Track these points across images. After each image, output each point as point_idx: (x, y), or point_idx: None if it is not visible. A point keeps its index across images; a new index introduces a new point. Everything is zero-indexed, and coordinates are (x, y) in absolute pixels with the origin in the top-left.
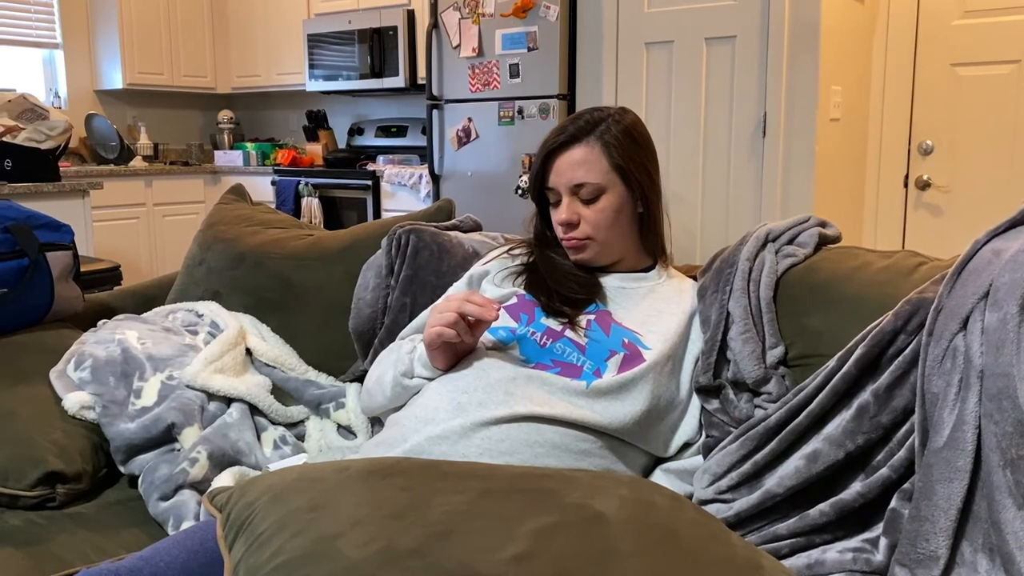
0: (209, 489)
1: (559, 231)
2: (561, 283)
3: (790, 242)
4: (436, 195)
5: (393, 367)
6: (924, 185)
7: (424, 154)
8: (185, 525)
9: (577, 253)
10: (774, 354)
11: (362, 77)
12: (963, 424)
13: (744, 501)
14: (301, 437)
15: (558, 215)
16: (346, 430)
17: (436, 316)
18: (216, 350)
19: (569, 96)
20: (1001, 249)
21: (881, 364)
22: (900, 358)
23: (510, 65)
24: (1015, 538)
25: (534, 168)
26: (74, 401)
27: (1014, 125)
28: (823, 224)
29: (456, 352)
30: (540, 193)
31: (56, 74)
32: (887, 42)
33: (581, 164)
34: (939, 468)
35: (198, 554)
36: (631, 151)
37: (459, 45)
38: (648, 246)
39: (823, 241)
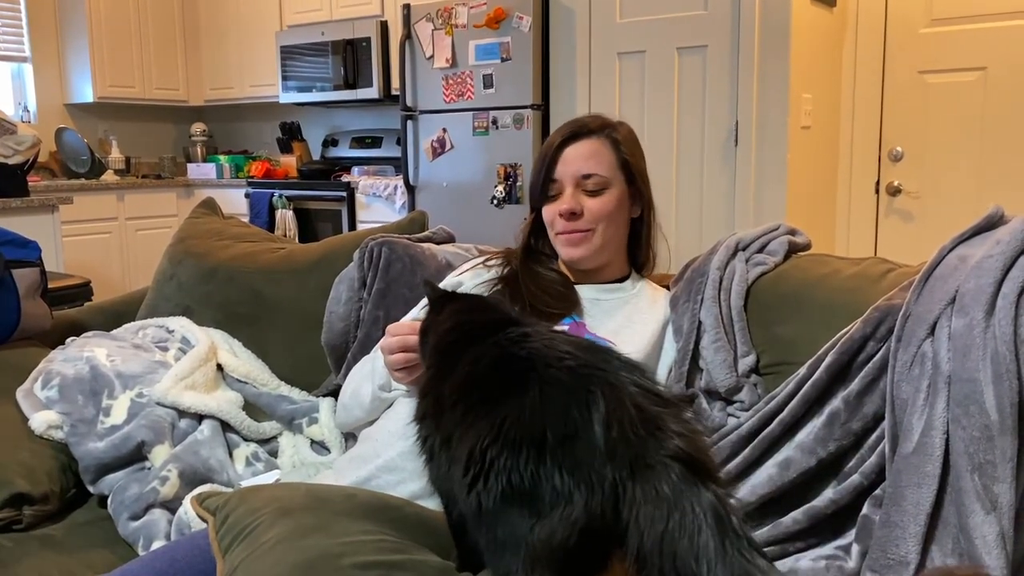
0: (196, 492)
1: (558, 225)
2: (537, 296)
3: (760, 250)
4: (411, 206)
5: (371, 381)
6: (895, 191)
7: (399, 165)
8: (156, 545)
9: (573, 248)
10: (746, 362)
11: (336, 88)
12: (931, 429)
13: None
14: (274, 453)
15: (561, 204)
16: (320, 445)
17: (385, 344)
18: (187, 366)
19: (543, 106)
20: (967, 255)
21: (851, 371)
22: (870, 365)
23: (484, 75)
24: (983, 542)
25: (542, 159)
26: (41, 420)
27: (981, 131)
28: (793, 232)
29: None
30: (542, 188)
31: (25, 88)
32: (856, 50)
33: (591, 155)
34: (908, 474)
35: (167, 575)
36: (635, 154)
37: (432, 56)
38: (633, 255)
39: (793, 249)
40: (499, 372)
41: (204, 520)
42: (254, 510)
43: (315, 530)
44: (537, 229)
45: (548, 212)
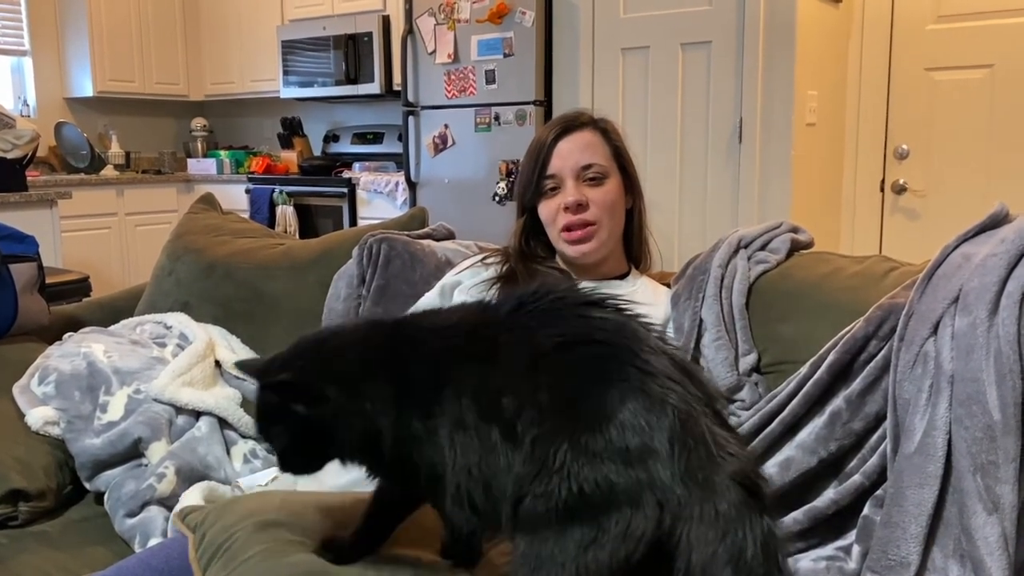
0: (179, 507)
1: (561, 220)
2: None
3: (762, 248)
4: (412, 202)
5: None
6: (900, 189)
7: (400, 161)
8: (152, 542)
9: (581, 244)
10: (747, 361)
11: (337, 84)
12: (934, 430)
13: None
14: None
15: (565, 197)
16: None
17: None
18: (184, 363)
19: (546, 102)
20: (971, 254)
21: (853, 370)
22: (872, 364)
23: (486, 71)
24: (985, 544)
25: (535, 156)
26: (38, 416)
27: (988, 129)
28: (795, 230)
29: None
30: (536, 185)
31: (25, 82)
32: (862, 47)
33: (587, 146)
34: (910, 474)
35: (163, 573)
36: (623, 145)
37: (434, 51)
38: (630, 249)
39: (795, 247)
40: (586, 365)
41: (186, 536)
42: (229, 527)
43: (296, 545)
44: (530, 230)
45: (547, 208)
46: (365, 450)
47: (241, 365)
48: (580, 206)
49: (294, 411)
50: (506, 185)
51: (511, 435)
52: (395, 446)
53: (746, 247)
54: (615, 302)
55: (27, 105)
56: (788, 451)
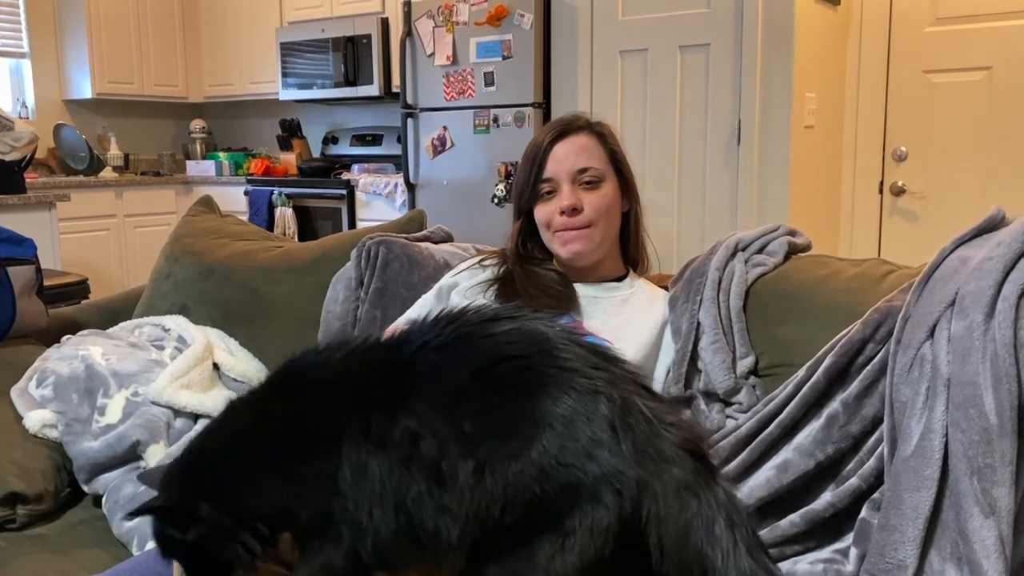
0: None
1: (556, 223)
2: (535, 296)
3: (760, 251)
4: (412, 204)
5: None
6: (899, 191)
7: (399, 163)
8: (150, 545)
9: (574, 244)
10: (744, 364)
11: (336, 85)
12: (930, 433)
13: None
14: None
15: (561, 201)
16: None
17: None
18: (183, 365)
19: (545, 104)
20: (967, 257)
21: (850, 373)
22: (869, 367)
23: (485, 73)
24: (982, 547)
25: (531, 159)
26: (36, 419)
27: (986, 131)
28: (792, 233)
29: None
30: (533, 188)
31: (23, 84)
32: (860, 49)
33: (583, 150)
34: (907, 477)
35: None
36: (620, 148)
37: (433, 53)
38: (627, 251)
39: (793, 250)
40: (507, 383)
41: None
42: None
43: None
44: (527, 233)
45: (543, 212)
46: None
47: (142, 477)
48: (575, 210)
49: (172, 537)
50: (505, 187)
51: (438, 477)
52: (301, 539)
53: (744, 250)
54: (512, 311)
55: (26, 107)
56: (785, 454)
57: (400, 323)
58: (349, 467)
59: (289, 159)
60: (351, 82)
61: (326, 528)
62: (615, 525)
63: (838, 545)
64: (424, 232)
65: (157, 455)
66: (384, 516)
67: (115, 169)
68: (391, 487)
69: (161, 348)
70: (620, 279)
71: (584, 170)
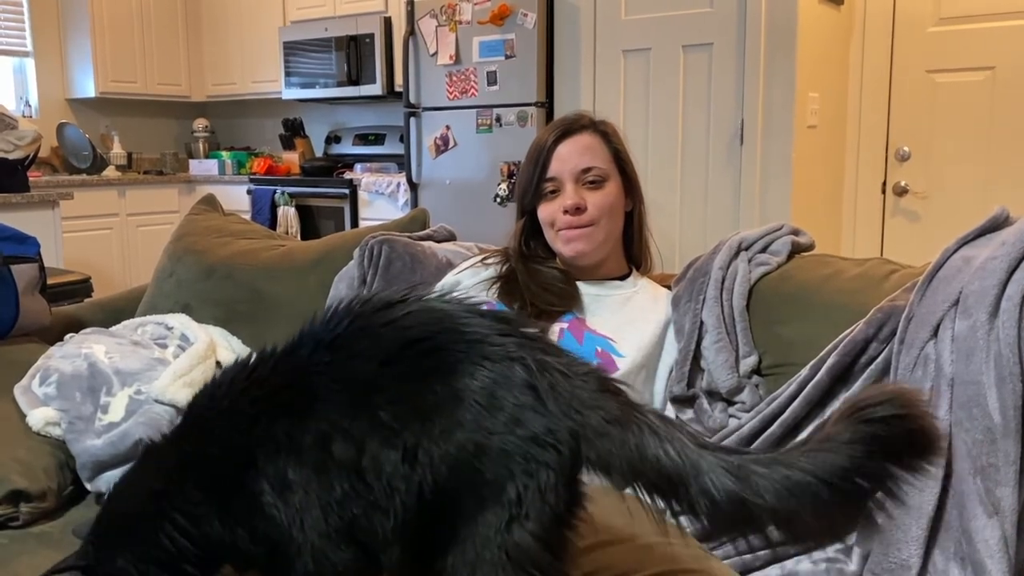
0: None
1: (560, 222)
2: (537, 294)
3: (763, 250)
4: (414, 203)
5: None
6: (901, 191)
7: (402, 162)
8: None
9: (577, 243)
10: (747, 363)
11: (339, 85)
12: None
13: None
14: None
15: (564, 200)
16: None
17: None
18: (185, 364)
19: (547, 104)
20: (971, 256)
21: (853, 373)
22: (872, 366)
23: (488, 72)
24: (986, 546)
25: (534, 159)
26: (39, 417)
27: (989, 131)
28: (796, 232)
29: None
30: (536, 188)
31: (27, 83)
32: (863, 49)
33: (587, 150)
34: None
35: None
36: (623, 147)
37: (436, 52)
38: (630, 250)
39: (796, 249)
40: (416, 366)
41: None
42: None
43: None
44: (530, 232)
45: (547, 211)
46: None
47: (75, 532)
48: (579, 209)
49: None
50: (507, 186)
51: (359, 474)
52: (243, 568)
53: (747, 249)
54: (402, 295)
55: (29, 106)
56: None
57: None
58: (267, 483)
59: (292, 158)
60: (354, 81)
61: (269, 553)
62: (563, 479)
63: (841, 544)
64: (427, 231)
65: None
66: (315, 523)
67: (118, 168)
68: (314, 493)
69: (164, 346)
70: (623, 278)
71: (588, 169)
